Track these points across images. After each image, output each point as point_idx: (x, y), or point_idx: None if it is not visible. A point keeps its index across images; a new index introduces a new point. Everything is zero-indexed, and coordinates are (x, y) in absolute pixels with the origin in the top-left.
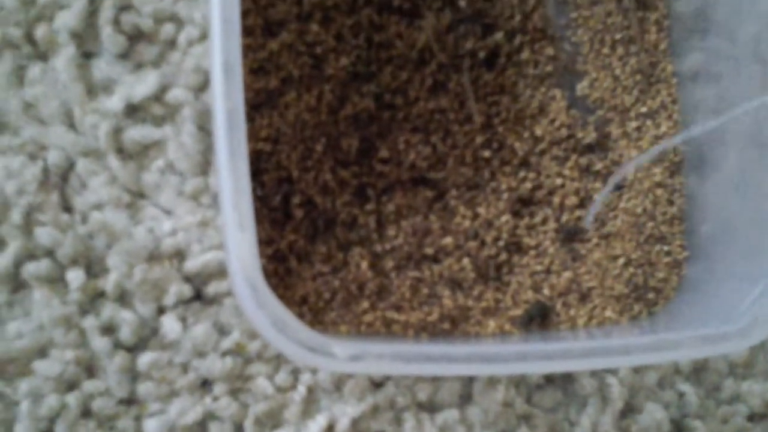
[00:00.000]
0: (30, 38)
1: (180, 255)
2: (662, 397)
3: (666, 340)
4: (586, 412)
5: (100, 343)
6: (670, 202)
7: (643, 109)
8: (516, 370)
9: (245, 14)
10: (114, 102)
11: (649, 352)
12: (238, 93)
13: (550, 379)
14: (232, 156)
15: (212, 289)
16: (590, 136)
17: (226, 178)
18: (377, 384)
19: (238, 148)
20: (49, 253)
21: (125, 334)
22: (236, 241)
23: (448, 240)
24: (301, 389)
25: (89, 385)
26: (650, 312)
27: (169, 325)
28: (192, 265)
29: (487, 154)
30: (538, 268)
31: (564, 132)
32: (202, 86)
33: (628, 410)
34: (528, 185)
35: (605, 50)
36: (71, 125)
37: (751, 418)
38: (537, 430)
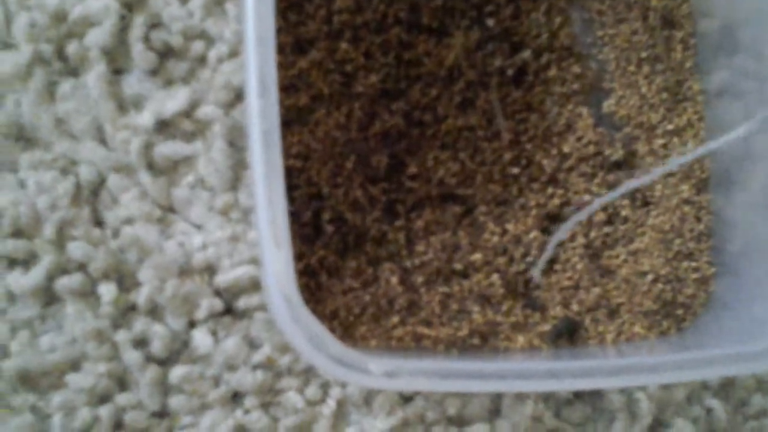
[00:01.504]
0: (61, 55)
1: (210, 269)
2: (690, 412)
3: (695, 359)
4: (614, 428)
5: (132, 357)
6: (698, 219)
7: (670, 127)
8: (547, 387)
9: (276, 32)
10: (145, 118)
11: (678, 370)
12: (274, 112)
13: (578, 395)
14: (268, 175)
15: (243, 303)
16: (617, 153)
17: (262, 196)
18: (407, 398)
19: (273, 167)
20: (81, 268)
21: (157, 347)
22: (272, 257)
23: (477, 256)
24: (331, 403)
25: (121, 398)
26: (679, 328)
27: (201, 338)
28: (223, 279)
29: (515, 170)
30: (567, 283)
31: (591, 149)
32: (233, 102)
33: (657, 425)
34: (556, 201)
35: (631, 68)
36: (102, 141)
37: None
38: None
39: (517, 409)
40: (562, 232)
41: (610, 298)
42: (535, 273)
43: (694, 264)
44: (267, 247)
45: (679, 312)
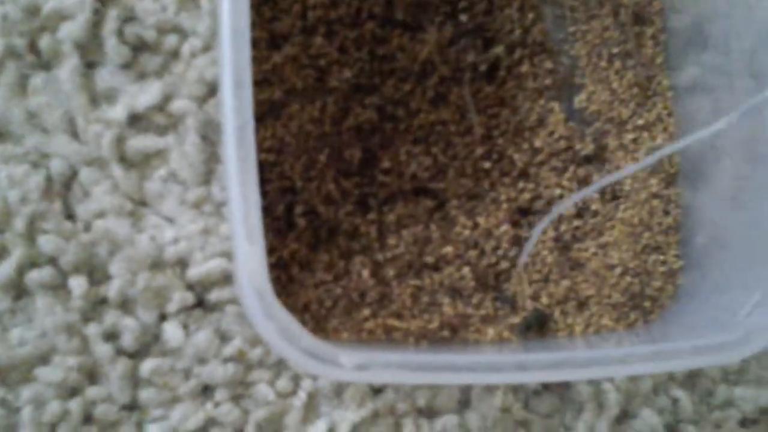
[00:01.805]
0: (34, 48)
1: (182, 263)
2: (657, 402)
3: (663, 351)
4: (582, 418)
5: (102, 350)
6: (666, 213)
7: (640, 122)
8: (516, 379)
9: (250, 27)
10: (117, 111)
11: (646, 362)
12: (248, 108)
13: (547, 386)
14: (241, 170)
15: (214, 296)
16: (588, 147)
17: (235, 191)
18: (377, 390)
19: (247, 162)
20: (52, 261)
21: (127, 340)
22: (245, 253)
23: (448, 249)
24: (302, 395)
25: (91, 392)
26: (646, 320)
27: (171, 331)
28: (194, 272)
29: (487, 165)
30: (537, 276)
31: (562, 144)
32: (205, 96)
33: (624, 416)
34: (527, 196)
35: (603, 64)
36: (74, 134)
37: (744, 423)
38: None
39: (486, 401)
40: (544, 223)
41: (579, 291)
42: (520, 264)
43: (662, 257)
44: (240, 242)
45: (647, 304)
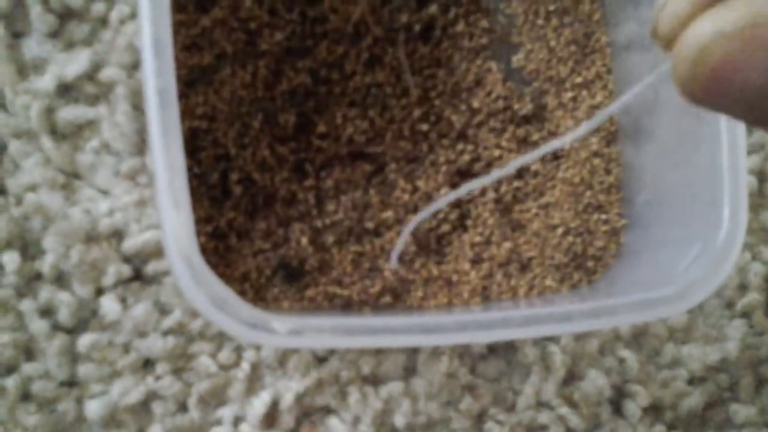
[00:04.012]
0: None
1: (118, 235)
2: (603, 363)
3: (605, 306)
4: (529, 381)
5: (38, 326)
6: (608, 171)
7: (579, 80)
8: (454, 341)
9: None
10: (45, 82)
11: (588, 319)
12: (170, 71)
13: (493, 349)
14: (165, 135)
15: (151, 268)
16: (527, 107)
17: (159, 157)
18: (321, 359)
19: (170, 127)
20: None
21: (64, 315)
22: (172, 220)
23: (388, 214)
24: (245, 366)
25: (28, 368)
26: (590, 280)
27: (109, 305)
28: (130, 244)
29: (424, 127)
30: (478, 239)
31: (501, 104)
32: (136, 64)
33: (570, 377)
34: (466, 157)
35: (540, 21)
36: (2, 106)
37: (691, 381)
38: (481, 400)
39: (431, 366)
40: (427, 211)
41: (521, 253)
42: (392, 259)
43: (604, 216)
44: (166, 208)
45: (590, 264)
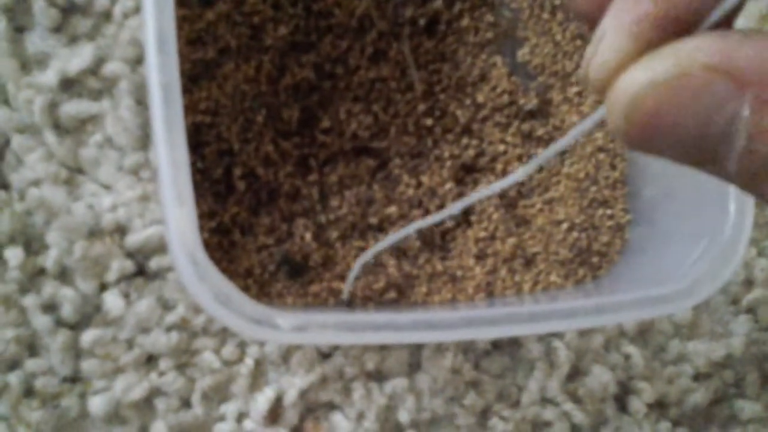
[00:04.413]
0: None
1: (121, 230)
2: (608, 359)
3: (611, 303)
4: (533, 377)
5: (41, 321)
6: (613, 167)
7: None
8: (461, 337)
9: None
10: (48, 76)
11: (593, 315)
12: (173, 65)
13: (497, 345)
14: (168, 130)
15: (155, 263)
16: (532, 102)
17: (163, 152)
18: (325, 355)
19: (174, 121)
20: None
21: (67, 311)
22: (175, 215)
23: (392, 209)
24: (249, 362)
25: (31, 364)
26: (595, 276)
27: (112, 301)
28: (134, 240)
29: (429, 122)
30: (483, 234)
31: (506, 99)
32: (139, 59)
33: (575, 373)
34: (471, 152)
35: (545, 16)
36: (5, 101)
37: (697, 377)
38: (485, 396)
39: (436, 362)
40: (403, 232)
41: (526, 248)
42: (345, 292)
43: (609, 211)
44: (169, 204)
45: (595, 260)
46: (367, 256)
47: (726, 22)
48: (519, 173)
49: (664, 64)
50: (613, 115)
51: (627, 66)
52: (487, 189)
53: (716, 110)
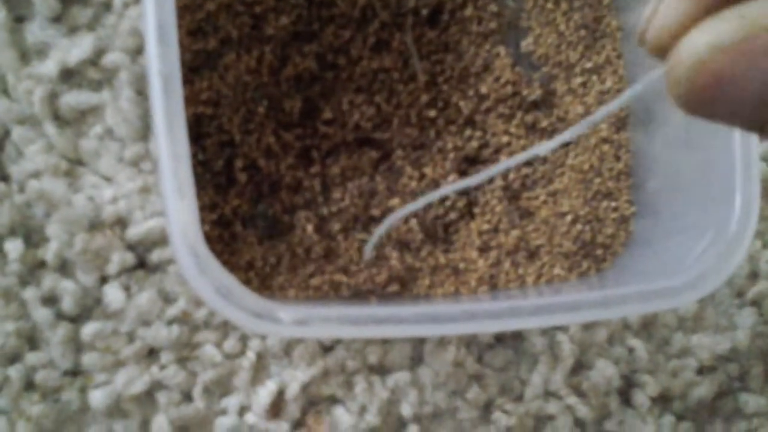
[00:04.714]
0: None
1: (122, 223)
2: (612, 353)
3: (615, 296)
4: (537, 370)
5: (41, 314)
6: (617, 158)
7: (588, 65)
8: (464, 330)
9: None
10: (48, 67)
11: (597, 308)
12: (174, 56)
13: (500, 338)
14: (169, 121)
15: (156, 256)
16: (535, 93)
17: (163, 143)
18: (327, 348)
19: (175, 113)
20: None
21: (67, 304)
22: (176, 208)
23: (395, 201)
24: (250, 356)
25: (32, 357)
26: (599, 268)
27: (113, 294)
28: (134, 232)
29: (432, 113)
30: (486, 227)
31: (509, 89)
32: (140, 49)
33: (579, 367)
34: (474, 144)
35: (549, 6)
36: (5, 92)
37: (701, 371)
38: (488, 389)
39: (438, 356)
40: (406, 209)
41: (530, 240)
42: (368, 249)
43: (613, 203)
44: (170, 196)
45: (599, 252)
46: (397, 216)
47: None
48: (540, 148)
49: (729, 27)
50: (674, 78)
51: (689, 28)
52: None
53: None
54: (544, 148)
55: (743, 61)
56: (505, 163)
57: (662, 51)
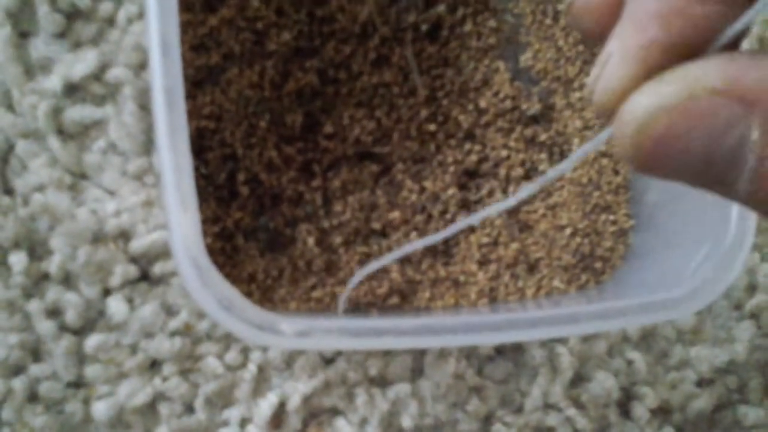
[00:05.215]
0: None
1: (125, 236)
2: (611, 365)
3: (613, 308)
4: (536, 383)
5: (45, 327)
6: (615, 172)
7: (587, 80)
8: (464, 342)
9: None
10: (53, 82)
11: (597, 321)
12: (177, 71)
13: (500, 351)
14: (172, 135)
15: (158, 269)
16: (534, 107)
17: (166, 157)
18: (328, 360)
19: (177, 127)
20: None
21: (71, 316)
22: (179, 220)
23: (395, 214)
24: (252, 368)
25: (35, 369)
26: (598, 281)
27: (116, 306)
28: (137, 245)
29: (432, 127)
30: (486, 240)
31: (508, 104)
32: (143, 64)
33: (578, 379)
34: (474, 158)
35: (548, 21)
36: (9, 106)
37: (700, 383)
38: (488, 402)
39: (439, 368)
40: (410, 246)
41: (529, 254)
42: (341, 303)
43: (612, 217)
44: (173, 209)
45: (598, 265)
46: (367, 270)
47: (733, 45)
48: (529, 188)
49: (671, 89)
50: (620, 139)
51: (633, 90)
52: (502, 202)
53: (724, 133)
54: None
55: (686, 123)
56: (526, 189)
57: (608, 112)
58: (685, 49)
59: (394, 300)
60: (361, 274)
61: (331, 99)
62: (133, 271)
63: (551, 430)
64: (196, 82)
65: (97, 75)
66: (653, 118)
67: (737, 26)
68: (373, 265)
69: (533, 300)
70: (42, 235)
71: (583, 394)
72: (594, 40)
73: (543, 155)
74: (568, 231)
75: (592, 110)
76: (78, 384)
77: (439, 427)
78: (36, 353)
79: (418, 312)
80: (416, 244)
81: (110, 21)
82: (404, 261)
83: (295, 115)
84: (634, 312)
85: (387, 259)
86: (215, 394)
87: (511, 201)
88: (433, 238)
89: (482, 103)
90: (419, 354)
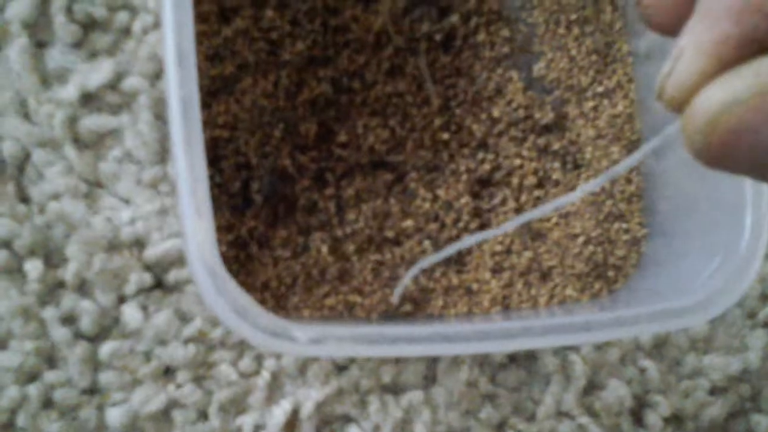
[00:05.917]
0: None
1: (139, 243)
2: (624, 373)
3: (626, 316)
4: (549, 390)
5: (60, 334)
6: (629, 181)
7: (600, 89)
8: (477, 350)
9: (199, 1)
10: (69, 91)
11: (609, 328)
12: (192, 80)
13: (513, 358)
14: (187, 144)
15: (173, 276)
16: (547, 116)
17: (182, 165)
18: (341, 367)
19: (193, 135)
20: (7, 244)
21: (86, 323)
22: (194, 228)
23: (408, 223)
24: (265, 375)
25: (50, 376)
26: (610, 290)
27: (130, 313)
28: (152, 253)
29: (445, 136)
30: (499, 248)
31: (521, 113)
32: (158, 74)
33: (591, 387)
34: (487, 166)
35: (561, 30)
36: (26, 115)
37: (713, 392)
38: (501, 409)
39: (452, 375)
40: (427, 262)
41: (542, 262)
42: (396, 294)
43: (625, 225)
44: (188, 217)
45: (611, 273)
46: (424, 263)
47: None
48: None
49: (743, 83)
50: (690, 133)
51: (705, 85)
52: (549, 204)
53: None
54: (573, 196)
55: (758, 117)
56: (552, 204)
57: (679, 107)
58: (758, 44)
59: (407, 308)
60: (415, 268)
61: (345, 108)
62: (147, 278)
63: None
64: (211, 92)
65: (113, 84)
66: (725, 112)
67: None
68: (429, 259)
69: (546, 308)
70: (58, 243)
71: (596, 402)
72: (665, 34)
73: (556, 164)
74: (581, 239)
75: (660, 105)
76: (92, 391)
77: None
78: (51, 360)
79: (431, 319)
80: (474, 239)
81: (126, 31)
82: None
83: (309, 124)
84: (647, 320)
85: (440, 256)
86: (229, 401)
87: (574, 196)
88: (488, 233)
89: (495, 113)
90: (432, 361)
